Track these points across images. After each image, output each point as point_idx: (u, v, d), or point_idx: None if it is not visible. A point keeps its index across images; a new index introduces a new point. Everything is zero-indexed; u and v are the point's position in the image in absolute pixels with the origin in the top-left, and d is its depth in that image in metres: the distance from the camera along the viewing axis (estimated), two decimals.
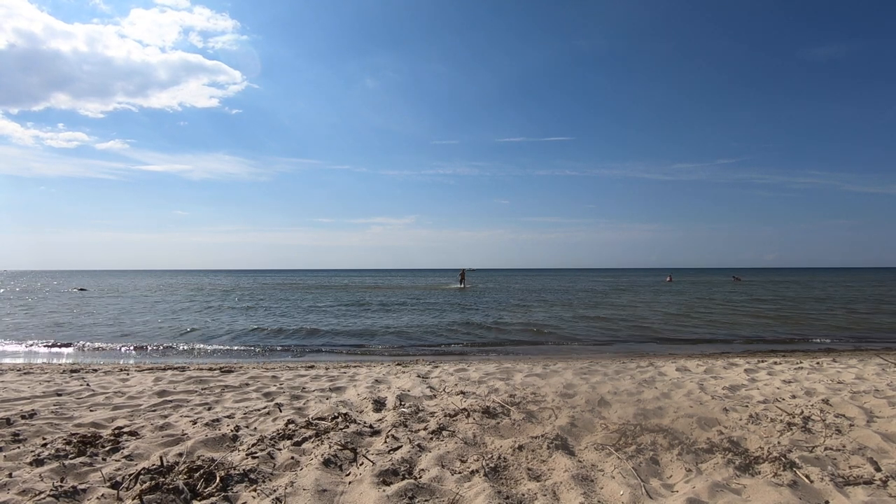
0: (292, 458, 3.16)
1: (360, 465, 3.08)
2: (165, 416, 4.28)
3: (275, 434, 3.64)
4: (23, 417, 4.08)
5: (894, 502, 2.56)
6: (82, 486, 2.70)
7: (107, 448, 3.33)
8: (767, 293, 29.71)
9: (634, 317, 16.48)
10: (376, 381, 5.98)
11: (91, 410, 4.49)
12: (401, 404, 4.60)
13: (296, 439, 3.52)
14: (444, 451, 3.28)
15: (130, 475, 2.81)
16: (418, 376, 6.31)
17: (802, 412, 4.21)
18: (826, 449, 3.30)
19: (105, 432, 3.69)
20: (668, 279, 53.42)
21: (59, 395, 5.16)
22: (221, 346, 11.02)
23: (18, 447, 3.33)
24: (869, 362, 7.35)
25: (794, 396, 4.96)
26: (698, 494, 2.62)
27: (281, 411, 4.44)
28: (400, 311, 19.33)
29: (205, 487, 2.72)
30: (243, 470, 2.94)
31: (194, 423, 4.03)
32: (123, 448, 3.33)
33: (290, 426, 3.85)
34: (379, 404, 4.67)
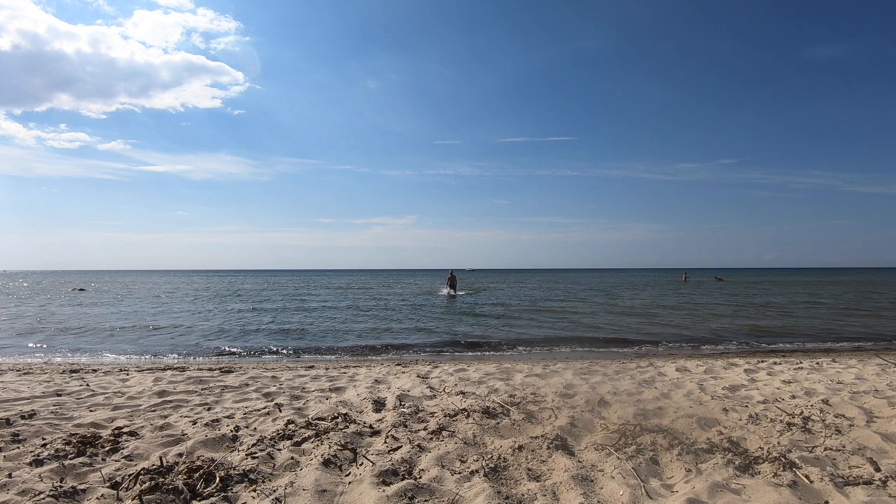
0: (292, 458, 3.16)
1: (360, 465, 3.08)
2: (165, 417, 4.28)
3: (275, 434, 3.64)
4: (22, 418, 4.08)
5: (894, 502, 2.56)
6: (82, 487, 2.70)
7: (106, 448, 3.33)
8: (750, 293, 29.77)
9: (635, 317, 16.48)
10: (376, 381, 5.98)
11: (91, 411, 4.49)
12: (401, 404, 4.59)
13: (296, 439, 3.52)
14: (444, 451, 3.28)
15: (130, 475, 2.81)
16: (418, 376, 6.31)
17: (802, 412, 4.21)
18: (826, 449, 3.30)
19: (105, 432, 3.69)
20: (684, 278, 54.42)
21: (59, 395, 5.16)
22: (221, 346, 11.01)
23: (18, 447, 3.33)
24: (869, 363, 7.35)
25: (793, 396, 4.96)
26: (698, 495, 2.62)
27: (281, 411, 4.43)
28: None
29: (204, 488, 2.71)
30: (243, 470, 2.93)
31: (194, 423, 4.03)
32: (123, 448, 3.33)
33: (290, 426, 3.85)
34: (379, 404, 4.67)
